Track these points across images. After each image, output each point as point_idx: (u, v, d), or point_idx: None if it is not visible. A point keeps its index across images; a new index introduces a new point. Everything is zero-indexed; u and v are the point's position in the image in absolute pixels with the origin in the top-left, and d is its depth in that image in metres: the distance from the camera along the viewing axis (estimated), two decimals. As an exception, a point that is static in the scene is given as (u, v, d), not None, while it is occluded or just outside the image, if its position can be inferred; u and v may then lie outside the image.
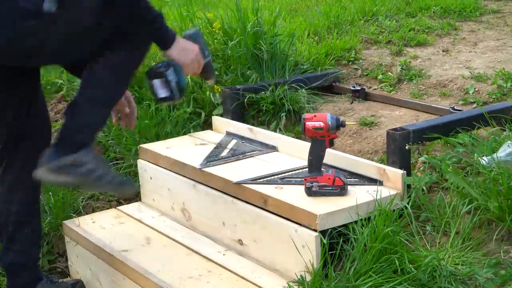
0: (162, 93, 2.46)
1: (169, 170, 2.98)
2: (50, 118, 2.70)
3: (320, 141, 2.46)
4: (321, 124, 2.43)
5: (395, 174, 2.48)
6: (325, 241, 2.22)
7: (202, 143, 3.13)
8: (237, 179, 2.62)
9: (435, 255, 2.13)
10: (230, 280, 2.42)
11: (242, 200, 2.58)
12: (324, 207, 2.33)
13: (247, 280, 2.41)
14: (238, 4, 3.91)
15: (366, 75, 4.00)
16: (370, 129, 3.24)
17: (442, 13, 5.14)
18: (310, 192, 2.45)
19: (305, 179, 2.47)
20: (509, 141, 2.44)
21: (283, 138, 3.01)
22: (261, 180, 2.61)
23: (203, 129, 3.48)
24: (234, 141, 3.11)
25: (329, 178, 2.45)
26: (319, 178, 2.45)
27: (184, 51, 2.42)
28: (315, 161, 2.48)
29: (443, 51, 4.27)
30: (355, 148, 3.14)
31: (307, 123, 2.44)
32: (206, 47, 2.57)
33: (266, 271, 2.46)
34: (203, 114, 3.56)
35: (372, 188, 2.44)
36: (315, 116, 2.45)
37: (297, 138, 3.20)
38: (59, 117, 3.76)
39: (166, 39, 2.39)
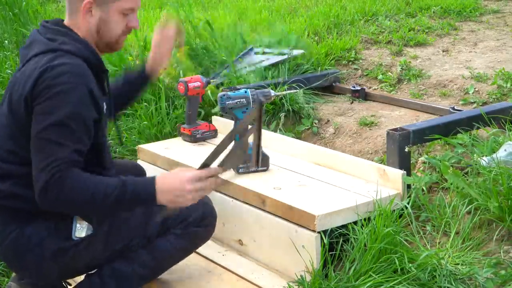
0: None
1: (168, 171, 2.97)
2: None
3: (196, 97, 3.03)
4: (198, 83, 3.01)
5: (395, 174, 2.47)
6: (325, 240, 2.21)
7: (201, 143, 3.12)
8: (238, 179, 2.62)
9: (434, 253, 2.12)
10: (230, 280, 2.42)
11: (241, 201, 2.58)
12: (323, 207, 2.32)
13: (247, 280, 2.40)
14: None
15: (366, 75, 4.00)
16: (370, 129, 3.24)
17: (442, 13, 5.13)
18: (195, 139, 3.02)
19: (189, 130, 3.02)
20: (509, 141, 2.44)
21: (283, 138, 3.01)
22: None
23: (202, 129, 3.47)
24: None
25: (206, 125, 3.07)
26: (199, 127, 3.04)
27: (173, 202, 2.01)
28: (193, 114, 3.04)
29: (443, 51, 4.27)
30: (355, 148, 3.14)
31: (189, 84, 2.99)
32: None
33: (266, 271, 2.46)
34: (202, 114, 3.55)
35: (372, 188, 2.44)
36: (191, 78, 3.01)
37: (297, 138, 3.20)
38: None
39: (148, 199, 1.99)
